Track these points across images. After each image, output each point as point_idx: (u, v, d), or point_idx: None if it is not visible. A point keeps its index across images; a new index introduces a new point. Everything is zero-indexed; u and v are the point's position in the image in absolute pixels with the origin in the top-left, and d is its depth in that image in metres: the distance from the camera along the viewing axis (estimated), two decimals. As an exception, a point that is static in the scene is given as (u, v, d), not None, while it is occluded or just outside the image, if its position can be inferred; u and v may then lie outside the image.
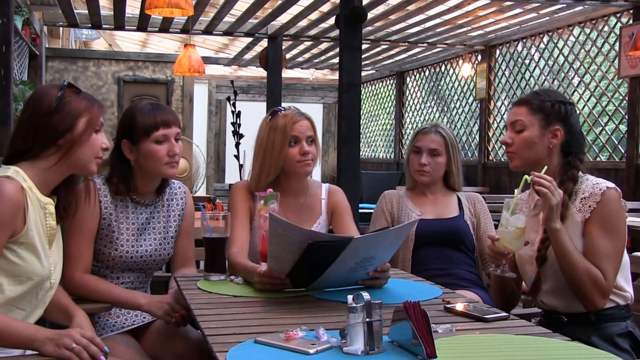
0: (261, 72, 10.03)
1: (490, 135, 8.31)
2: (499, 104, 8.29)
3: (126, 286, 2.22)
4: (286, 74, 10.37)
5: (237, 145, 7.99)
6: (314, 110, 12.53)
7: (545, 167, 2.02)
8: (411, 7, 6.63)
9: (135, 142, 2.16)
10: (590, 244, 1.98)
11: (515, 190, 1.96)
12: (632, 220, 4.46)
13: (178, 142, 2.19)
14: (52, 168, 1.75)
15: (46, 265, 1.75)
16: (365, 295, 1.34)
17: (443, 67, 9.69)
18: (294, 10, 6.82)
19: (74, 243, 2.12)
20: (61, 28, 9.30)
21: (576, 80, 7.00)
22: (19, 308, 1.73)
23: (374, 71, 11.37)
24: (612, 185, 2.02)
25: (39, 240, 1.73)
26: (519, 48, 7.89)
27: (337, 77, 5.46)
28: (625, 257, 2.06)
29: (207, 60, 9.07)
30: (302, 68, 11.12)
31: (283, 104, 3.10)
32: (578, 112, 6.78)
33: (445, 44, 8.44)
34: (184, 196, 2.35)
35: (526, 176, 1.97)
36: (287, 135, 2.27)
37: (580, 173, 2.08)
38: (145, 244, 2.22)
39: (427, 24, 7.40)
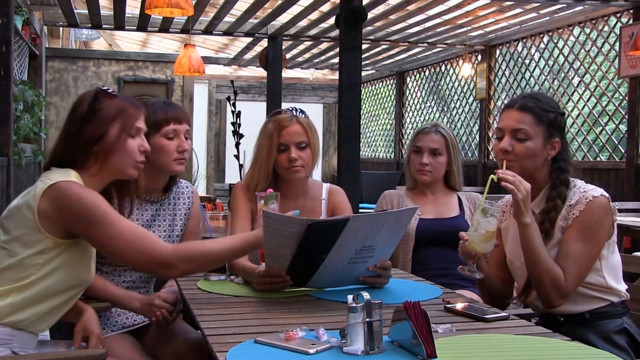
0: (261, 72, 10.03)
1: (490, 135, 8.31)
2: (499, 103, 8.28)
3: (128, 285, 2.21)
4: (286, 74, 10.37)
5: (237, 145, 8.00)
6: (314, 110, 12.53)
7: (505, 162, 2.00)
8: (411, 7, 6.63)
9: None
10: (563, 246, 1.97)
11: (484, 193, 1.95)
12: (633, 220, 4.46)
13: (187, 140, 2.22)
14: (96, 177, 1.78)
15: (92, 270, 1.83)
16: (365, 295, 1.34)
17: (443, 67, 9.69)
18: (294, 10, 6.82)
19: None
20: (61, 28, 9.30)
21: (576, 80, 6.99)
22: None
23: (374, 71, 11.36)
24: (599, 193, 1.98)
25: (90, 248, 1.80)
26: (519, 48, 7.89)
27: (337, 77, 5.46)
28: (617, 257, 2.06)
29: (207, 60, 9.07)
30: (302, 68, 11.11)
31: (284, 105, 3.10)
32: (578, 112, 6.86)
33: (445, 44, 8.44)
34: (191, 196, 2.35)
35: (492, 176, 1.94)
36: (274, 142, 2.27)
37: (570, 177, 2.06)
38: None
39: (427, 24, 7.40)
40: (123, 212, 1.89)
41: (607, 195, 2.00)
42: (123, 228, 1.69)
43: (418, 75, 10.50)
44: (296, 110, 2.34)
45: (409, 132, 10.63)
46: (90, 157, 1.76)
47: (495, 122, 8.28)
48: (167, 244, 1.82)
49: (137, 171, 1.84)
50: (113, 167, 1.78)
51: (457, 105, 9.28)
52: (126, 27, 7.52)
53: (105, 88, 1.82)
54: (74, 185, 1.69)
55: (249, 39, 8.46)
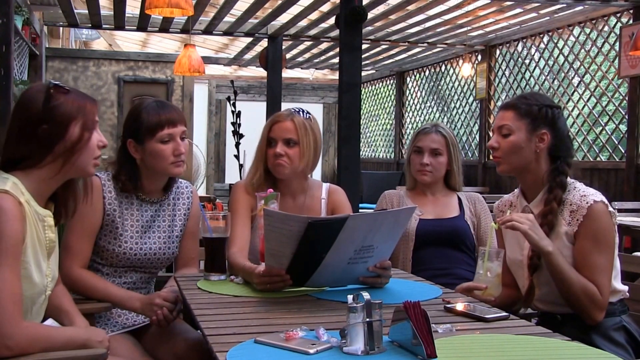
0: (261, 72, 10.03)
1: (491, 135, 8.31)
2: (499, 104, 8.28)
3: (128, 286, 2.21)
4: (286, 74, 10.37)
5: (237, 145, 7.99)
6: (314, 110, 12.45)
7: (509, 211, 2.09)
8: (411, 7, 6.63)
9: (140, 141, 2.15)
10: (585, 260, 1.97)
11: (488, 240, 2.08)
12: (633, 220, 4.46)
13: (184, 141, 2.18)
14: (53, 179, 1.67)
15: (39, 281, 1.67)
16: (365, 295, 1.34)
17: (443, 67, 9.69)
18: (294, 10, 6.82)
19: (75, 238, 2.12)
20: (61, 28, 9.31)
21: (576, 80, 7.00)
22: None
23: (374, 71, 11.37)
24: (599, 198, 2.00)
25: (34, 256, 1.64)
26: (519, 48, 7.89)
27: (337, 77, 5.46)
28: (616, 259, 2.06)
29: (207, 60, 9.07)
30: (302, 68, 11.12)
31: (284, 105, 3.10)
32: (578, 112, 6.85)
33: (445, 44, 8.44)
34: (190, 196, 2.34)
35: (492, 224, 2.08)
36: (264, 136, 2.32)
37: (568, 179, 2.07)
38: (150, 241, 2.22)
39: (427, 24, 7.40)
40: (68, 213, 1.78)
41: (605, 200, 2.01)
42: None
43: (418, 75, 10.50)
44: (301, 111, 2.34)
45: (409, 132, 10.64)
46: (47, 157, 1.63)
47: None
48: (20, 318, 1.57)
49: (95, 168, 1.75)
50: (74, 167, 1.67)
51: (457, 105, 9.28)
52: (126, 27, 7.52)
53: (57, 82, 1.70)
54: (1, 203, 1.53)
55: (249, 39, 8.46)
